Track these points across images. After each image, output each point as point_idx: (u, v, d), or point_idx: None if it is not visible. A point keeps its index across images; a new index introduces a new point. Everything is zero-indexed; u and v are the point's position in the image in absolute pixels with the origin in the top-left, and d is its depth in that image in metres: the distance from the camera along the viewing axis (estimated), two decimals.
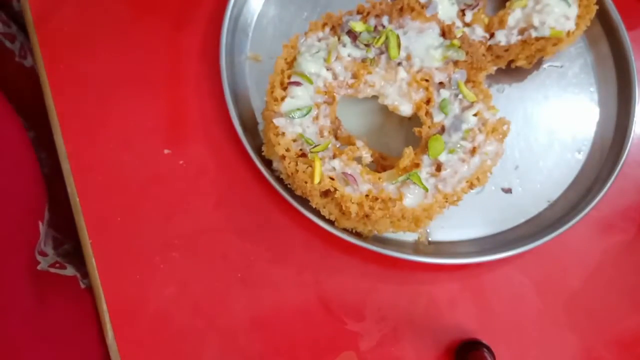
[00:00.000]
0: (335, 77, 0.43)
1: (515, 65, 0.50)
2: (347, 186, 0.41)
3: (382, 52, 0.44)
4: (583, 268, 0.48)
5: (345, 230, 0.44)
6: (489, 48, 0.48)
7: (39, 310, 0.44)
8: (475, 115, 0.42)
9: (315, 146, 0.41)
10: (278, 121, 0.41)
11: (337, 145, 0.43)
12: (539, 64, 0.52)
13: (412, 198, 0.41)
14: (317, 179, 0.40)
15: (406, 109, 0.44)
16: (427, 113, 0.43)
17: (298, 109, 0.42)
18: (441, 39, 0.44)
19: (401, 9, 0.45)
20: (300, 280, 0.46)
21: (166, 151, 0.49)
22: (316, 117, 0.42)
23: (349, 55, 0.44)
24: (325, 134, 0.42)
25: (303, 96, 0.42)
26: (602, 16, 0.52)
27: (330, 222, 0.44)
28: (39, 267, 0.46)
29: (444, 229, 0.48)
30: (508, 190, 0.49)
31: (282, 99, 0.42)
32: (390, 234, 0.47)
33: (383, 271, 0.47)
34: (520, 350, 0.46)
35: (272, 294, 0.46)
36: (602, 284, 0.48)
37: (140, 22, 0.52)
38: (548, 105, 0.52)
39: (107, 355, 0.45)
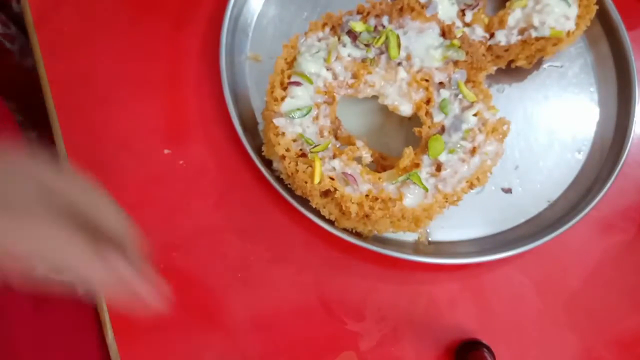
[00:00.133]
0: (335, 77, 0.43)
1: (515, 65, 0.50)
2: (347, 186, 0.41)
3: (382, 52, 0.44)
4: (583, 268, 0.48)
5: (345, 230, 0.44)
6: (489, 48, 0.48)
7: (38, 316, 0.44)
8: (475, 115, 0.42)
9: (315, 146, 0.41)
10: (278, 121, 0.41)
11: (337, 145, 0.44)
12: (539, 64, 0.52)
13: (412, 198, 0.41)
14: (317, 179, 0.40)
15: (406, 109, 0.44)
16: (427, 113, 0.43)
17: (298, 109, 0.42)
18: (441, 39, 0.44)
19: (401, 9, 0.45)
20: (300, 280, 0.46)
21: (166, 151, 0.49)
22: (316, 117, 0.43)
23: (349, 55, 0.44)
24: (325, 134, 0.42)
25: (303, 96, 0.42)
26: (602, 16, 0.52)
27: (330, 222, 0.44)
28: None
29: (444, 229, 0.48)
30: (508, 190, 0.49)
31: (282, 99, 0.42)
32: (390, 234, 0.47)
33: (383, 271, 0.47)
34: (520, 350, 0.46)
35: (272, 293, 0.46)
36: (602, 284, 0.48)
37: (140, 22, 0.52)
38: (548, 105, 0.52)
39: (106, 358, 0.45)
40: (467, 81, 0.44)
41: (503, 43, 0.47)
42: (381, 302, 0.46)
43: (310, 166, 0.40)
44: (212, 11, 0.53)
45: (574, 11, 0.47)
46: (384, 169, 0.44)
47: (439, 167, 0.41)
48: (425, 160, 0.42)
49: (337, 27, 0.45)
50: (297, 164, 0.40)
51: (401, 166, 0.41)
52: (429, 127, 0.43)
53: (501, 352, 0.45)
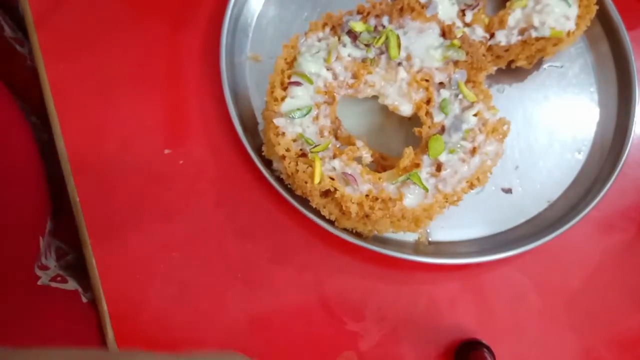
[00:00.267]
0: (335, 77, 0.43)
1: (516, 66, 0.50)
2: (347, 186, 0.41)
3: (382, 52, 0.44)
4: (583, 268, 0.48)
5: (345, 230, 0.44)
6: (489, 48, 0.48)
7: (40, 326, 0.44)
8: (475, 115, 0.42)
9: (316, 146, 0.41)
10: (278, 121, 0.41)
11: (337, 145, 0.43)
12: (539, 64, 0.52)
13: (412, 198, 0.41)
14: (317, 179, 0.40)
15: (406, 109, 0.44)
16: (427, 113, 0.43)
17: (298, 109, 0.42)
18: (441, 39, 0.44)
19: (401, 9, 0.45)
20: (300, 280, 0.46)
21: (166, 151, 0.49)
22: (316, 117, 0.43)
23: (349, 55, 0.44)
24: (326, 134, 0.42)
25: (303, 96, 0.42)
26: (603, 16, 0.52)
27: (331, 222, 0.44)
28: (39, 282, 0.45)
29: (444, 229, 0.48)
30: (508, 191, 0.49)
31: (282, 99, 0.42)
32: (390, 234, 0.47)
33: (383, 271, 0.47)
34: (520, 351, 0.46)
35: (272, 293, 0.46)
36: (602, 284, 0.48)
37: (140, 22, 0.52)
38: (548, 105, 0.52)
39: None
40: (467, 81, 0.44)
41: (503, 43, 0.47)
42: (381, 302, 0.46)
43: (311, 166, 0.40)
44: (212, 11, 0.53)
45: (574, 11, 0.47)
46: (384, 169, 0.44)
47: (439, 167, 0.41)
48: (426, 160, 0.42)
49: (337, 27, 0.45)
50: (297, 164, 0.40)
51: (401, 166, 0.41)
52: (429, 127, 0.43)
53: (501, 352, 0.45)
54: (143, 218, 0.47)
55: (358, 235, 0.45)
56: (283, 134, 0.41)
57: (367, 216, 0.40)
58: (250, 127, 0.49)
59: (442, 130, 0.43)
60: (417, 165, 0.41)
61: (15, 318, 0.42)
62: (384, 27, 0.44)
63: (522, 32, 0.47)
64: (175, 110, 0.50)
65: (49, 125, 0.49)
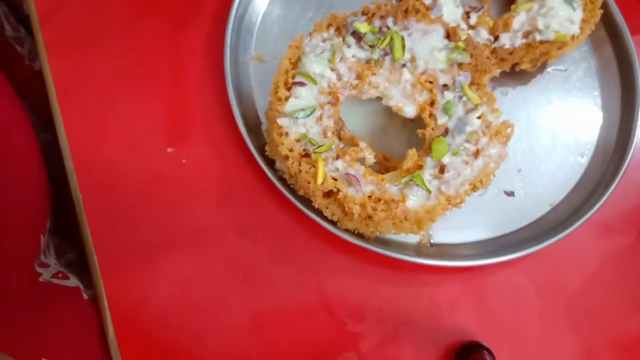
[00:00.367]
0: (339, 77, 0.43)
1: (520, 69, 0.50)
2: (350, 187, 0.41)
3: (386, 54, 0.44)
4: (584, 271, 0.48)
5: (347, 231, 0.44)
6: (494, 51, 0.48)
7: (40, 323, 0.44)
8: (479, 117, 0.42)
9: (319, 146, 0.41)
10: (282, 121, 0.41)
11: (341, 146, 0.44)
12: (543, 67, 0.52)
13: (414, 200, 0.41)
14: (320, 180, 0.40)
15: (410, 111, 0.44)
16: (431, 115, 0.43)
17: (302, 109, 0.42)
18: (446, 41, 0.44)
19: (406, 11, 0.45)
20: (302, 280, 0.46)
21: (169, 150, 0.49)
22: (320, 118, 0.43)
23: (353, 56, 0.44)
24: (329, 134, 0.42)
25: (307, 96, 0.42)
26: (607, 20, 0.52)
27: (333, 223, 0.44)
28: (40, 279, 0.45)
29: (446, 231, 0.48)
30: (511, 193, 0.49)
31: (286, 99, 0.42)
32: (392, 236, 0.47)
33: (385, 272, 0.47)
34: (521, 353, 0.46)
35: (273, 293, 0.46)
36: (603, 286, 0.48)
37: (144, 21, 0.52)
38: (551, 108, 0.52)
39: (107, 355, 0.45)
40: (471, 84, 0.44)
41: (507, 46, 0.47)
42: (382, 303, 0.46)
43: (314, 166, 0.40)
44: (216, 10, 0.53)
45: (578, 15, 0.47)
46: (387, 170, 0.44)
47: (442, 169, 0.41)
48: (429, 162, 0.42)
49: (342, 28, 0.45)
50: (300, 164, 0.41)
51: (404, 168, 0.41)
52: (432, 129, 0.43)
53: (502, 354, 0.45)
54: (145, 216, 0.47)
55: (360, 236, 0.45)
56: (286, 134, 0.41)
57: (369, 217, 0.40)
58: (254, 126, 0.49)
59: (446, 132, 0.43)
60: (420, 167, 0.41)
61: (16, 315, 0.42)
62: (388, 28, 0.44)
63: (526, 35, 0.47)
64: (179, 109, 0.50)
65: (50, 124, 0.49)
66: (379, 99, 0.45)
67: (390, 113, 0.46)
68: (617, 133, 0.51)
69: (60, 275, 0.48)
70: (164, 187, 0.48)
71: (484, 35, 0.47)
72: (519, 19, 0.47)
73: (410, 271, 0.47)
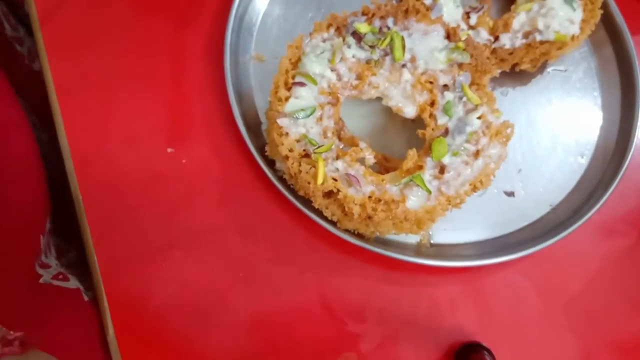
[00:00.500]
0: (339, 78, 0.43)
1: (520, 69, 0.50)
2: (350, 187, 0.41)
3: (386, 54, 0.44)
4: (584, 272, 0.48)
5: (347, 231, 0.44)
6: (494, 51, 0.48)
7: (41, 324, 0.44)
8: (479, 118, 0.42)
9: (319, 147, 0.41)
10: (282, 121, 0.41)
11: (341, 146, 0.44)
12: (543, 67, 0.52)
13: (414, 200, 0.41)
14: (320, 180, 0.40)
15: (410, 111, 0.44)
16: (431, 115, 0.43)
17: (302, 110, 0.42)
18: (446, 42, 0.44)
19: (406, 11, 0.45)
20: (302, 280, 0.46)
21: (169, 150, 0.49)
22: (320, 118, 0.43)
23: (353, 57, 0.44)
24: (329, 134, 0.42)
25: (307, 97, 0.42)
26: (607, 20, 0.52)
27: (333, 223, 0.44)
28: (41, 280, 0.45)
29: (446, 232, 0.48)
30: (511, 194, 0.49)
31: (286, 99, 0.42)
32: (392, 236, 0.47)
33: (385, 273, 0.47)
34: (520, 353, 0.46)
35: (273, 294, 0.46)
36: (603, 287, 0.48)
37: (144, 20, 0.52)
38: (551, 109, 0.52)
39: (107, 355, 0.45)
40: (472, 84, 0.44)
41: (507, 46, 0.47)
42: (382, 304, 0.46)
43: (314, 167, 0.40)
44: (217, 10, 0.53)
45: (578, 15, 0.47)
46: (387, 170, 0.44)
47: (442, 170, 0.41)
48: (429, 162, 0.42)
49: (342, 28, 0.45)
50: (300, 165, 0.41)
51: (404, 168, 0.41)
52: (432, 129, 0.43)
53: (502, 355, 0.45)
54: (145, 216, 0.47)
55: (360, 236, 0.45)
56: (286, 134, 0.41)
57: (369, 217, 0.40)
58: (254, 126, 0.49)
59: (446, 132, 0.43)
60: (420, 167, 0.41)
61: (17, 316, 0.42)
62: (388, 28, 0.44)
63: (526, 35, 0.47)
64: (179, 109, 0.50)
65: (49, 124, 0.49)
66: (379, 99, 0.45)
67: (390, 113, 0.46)
68: (617, 133, 0.51)
69: (60, 276, 0.48)
70: (164, 187, 0.48)
71: (484, 35, 0.47)
72: (519, 19, 0.47)
73: (410, 271, 0.47)
